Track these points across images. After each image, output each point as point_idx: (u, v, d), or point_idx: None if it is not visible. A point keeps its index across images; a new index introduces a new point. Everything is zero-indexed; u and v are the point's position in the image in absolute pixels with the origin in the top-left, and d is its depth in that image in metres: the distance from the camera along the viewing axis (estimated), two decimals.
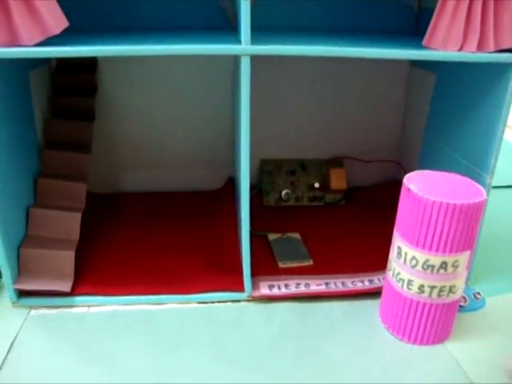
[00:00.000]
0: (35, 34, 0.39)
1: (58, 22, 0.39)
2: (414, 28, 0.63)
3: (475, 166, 0.48)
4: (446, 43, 0.43)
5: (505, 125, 0.45)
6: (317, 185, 0.65)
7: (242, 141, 0.42)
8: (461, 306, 0.49)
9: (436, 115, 0.58)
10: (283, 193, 0.65)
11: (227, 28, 0.58)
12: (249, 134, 0.42)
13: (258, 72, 0.48)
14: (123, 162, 0.65)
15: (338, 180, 0.65)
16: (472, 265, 0.51)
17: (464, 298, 0.50)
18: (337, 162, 0.67)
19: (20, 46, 0.39)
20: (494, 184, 0.48)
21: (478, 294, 0.51)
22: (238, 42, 0.41)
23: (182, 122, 0.64)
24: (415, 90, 0.64)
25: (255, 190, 0.65)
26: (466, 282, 0.51)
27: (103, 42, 0.41)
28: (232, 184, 0.65)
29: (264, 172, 0.65)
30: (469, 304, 0.50)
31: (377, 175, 0.69)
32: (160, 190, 0.66)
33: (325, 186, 0.65)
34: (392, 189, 0.57)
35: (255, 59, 0.40)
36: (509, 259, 0.59)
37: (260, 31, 0.44)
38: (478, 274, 0.54)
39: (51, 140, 0.56)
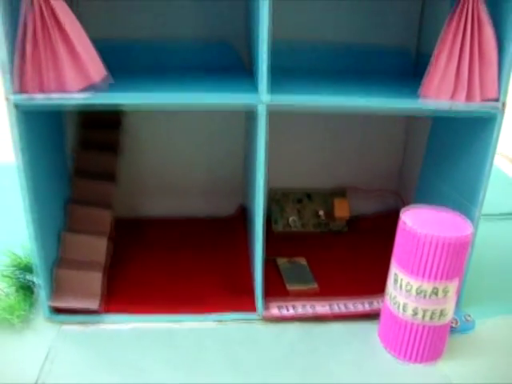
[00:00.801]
0: (79, 82, 0.44)
1: (98, 71, 0.45)
2: (413, 69, 0.69)
3: (466, 200, 0.54)
4: (439, 94, 0.48)
5: (491, 165, 0.50)
6: (321, 213, 0.70)
7: (257, 180, 0.48)
8: (452, 328, 0.54)
9: (432, 153, 0.63)
10: (290, 220, 0.70)
11: (241, 68, 0.64)
12: (264, 174, 0.48)
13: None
14: (145, 190, 0.71)
15: (341, 209, 0.70)
16: (463, 290, 0.56)
17: (455, 320, 0.55)
18: (340, 191, 0.72)
19: (66, 92, 0.44)
20: (488, 212, 0.53)
21: (469, 316, 0.56)
22: (255, 88, 0.47)
23: (198, 154, 0.69)
24: (413, 130, 0.69)
25: (265, 217, 0.70)
26: (457, 305, 0.56)
27: (132, 91, 0.46)
28: (243, 211, 0.70)
29: (273, 200, 0.71)
30: (460, 326, 0.55)
31: (377, 204, 0.74)
32: (177, 216, 0.71)
33: (329, 214, 0.71)
34: (391, 218, 0.62)
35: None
36: (499, 285, 0.64)
37: (274, 73, 0.48)
38: (469, 298, 0.59)
39: (81, 169, 0.62)
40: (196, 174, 0.71)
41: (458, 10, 0.46)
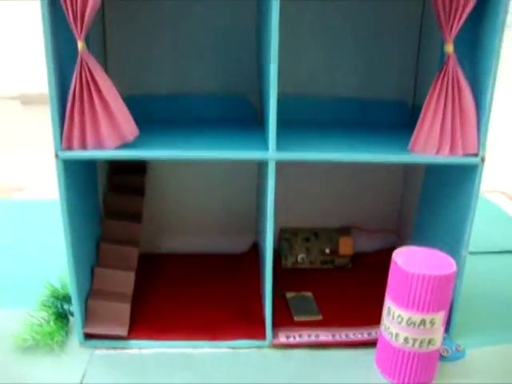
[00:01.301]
0: (115, 140, 0.52)
1: (131, 130, 0.53)
2: (409, 120, 0.76)
3: (454, 241, 0.60)
4: (426, 149, 0.55)
5: (474, 210, 0.57)
6: (328, 250, 0.77)
7: (267, 223, 0.55)
8: (444, 357, 0.60)
9: (425, 197, 0.70)
10: (299, 257, 0.77)
11: (255, 121, 0.72)
12: (273, 218, 0.55)
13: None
14: (166, 229, 0.78)
15: (345, 247, 0.77)
16: (454, 321, 0.62)
17: (446, 349, 0.61)
18: (345, 230, 0.79)
19: (103, 148, 0.52)
20: (485, 249, 0.59)
21: (459, 346, 0.62)
22: (265, 143, 0.54)
23: (214, 196, 0.77)
24: (410, 176, 0.76)
25: (275, 254, 0.77)
26: (449, 336, 0.62)
27: (156, 145, 0.54)
28: (256, 249, 0.77)
29: (283, 239, 0.78)
30: (450, 355, 0.60)
31: (379, 243, 0.80)
32: (195, 252, 0.78)
33: (334, 252, 0.77)
34: (391, 255, 0.69)
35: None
36: (488, 317, 0.69)
37: (283, 125, 0.56)
38: (460, 329, 0.64)
39: (110, 211, 0.69)
40: (212, 213, 0.78)
41: (441, 76, 0.54)
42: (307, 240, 0.78)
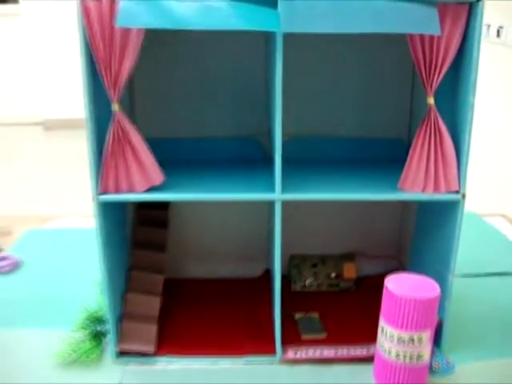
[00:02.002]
0: (144, 185, 0.61)
1: (157, 175, 0.62)
2: (406, 155, 0.84)
3: (442, 267, 0.68)
4: (413, 187, 0.64)
5: (458, 241, 0.65)
6: (333, 275, 0.85)
7: (275, 256, 0.63)
8: (435, 370, 0.67)
9: (419, 227, 0.78)
10: (307, 281, 0.85)
11: (266, 160, 0.80)
12: (280, 251, 0.63)
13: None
14: (187, 256, 0.87)
15: (349, 271, 0.85)
16: (445, 338, 0.70)
17: (437, 363, 0.68)
18: (349, 256, 0.87)
19: (134, 191, 0.61)
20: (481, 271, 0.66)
21: (449, 361, 0.69)
22: (273, 185, 0.63)
23: (231, 227, 0.85)
24: (407, 208, 0.84)
25: (286, 278, 0.85)
26: (440, 351, 0.69)
27: (178, 188, 0.64)
28: (268, 274, 0.85)
29: (292, 265, 0.86)
30: (441, 368, 0.68)
31: (381, 267, 0.87)
32: (213, 277, 0.87)
33: (339, 276, 0.85)
34: None
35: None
36: (481, 335, 0.76)
37: (289, 164, 0.64)
38: (451, 345, 0.71)
39: (138, 242, 0.78)
40: (229, 243, 0.86)
41: (424, 124, 0.62)
42: (315, 266, 0.86)
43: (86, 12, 0.54)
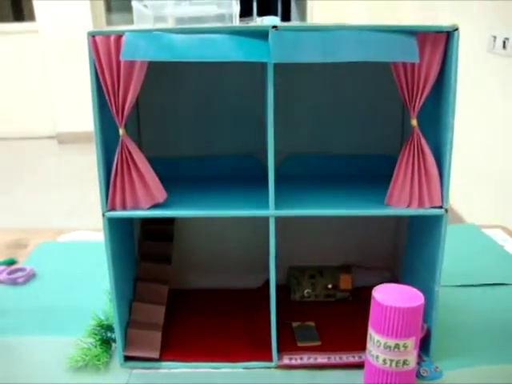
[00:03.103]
0: (148, 202, 0.66)
1: (160, 193, 0.67)
2: None
3: (429, 278, 0.72)
4: (399, 203, 0.68)
5: (443, 252, 0.69)
6: (330, 286, 0.89)
7: (270, 270, 0.68)
8: (423, 377, 0.71)
9: (410, 240, 0.82)
10: (305, 292, 0.89)
11: (263, 177, 0.85)
12: (275, 263, 0.68)
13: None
14: (190, 268, 0.91)
15: (345, 282, 0.89)
16: (433, 346, 0.74)
17: (426, 370, 0.72)
18: (346, 268, 0.91)
19: (139, 208, 0.66)
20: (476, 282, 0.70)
21: (437, 367, 0.73)
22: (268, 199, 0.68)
23: (232, 240, 0.90)
24: (400, 222, 0.88)
25: (285, 288, 0.89)
26: (429, 358, 0.73)
27: (181, 204, 0.68)
28: (268, 285, 0.89)
29: (291, 276, 0.90)
30: (429, 375, 0.72)
31: (376, 278, 0.91)
32: (216, 288, 0.91)
33: (336, 287, 0.89)
34: None
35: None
36: (468, 343, 0.80)
37: (284, 181, 0.69)
38: (441, 353, 0.75)
39: (144, 254, 0.83)
40: (231, 254, 0.91)
41: (408, 144, 0.67)
42: (313, 277, 0.90)
43: (94, 46, 0.60)
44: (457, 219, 2.60)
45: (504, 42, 2.46)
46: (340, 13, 4.38)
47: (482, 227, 1.27)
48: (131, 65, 0.60)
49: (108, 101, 0.62)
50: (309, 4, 4.64)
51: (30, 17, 4.56)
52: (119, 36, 0.60)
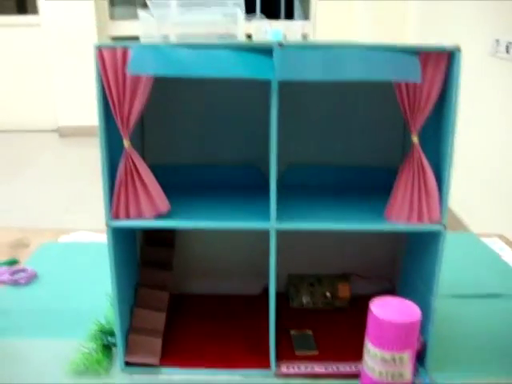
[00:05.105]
0: (151, 212, 0.67)
1: (163, 204, 0.68)
2: None
3: (427, 290, 0.73)
4: (398, 218, 0.69)
5: (440, 267, 0.70)
6: (328, 294, 0.90)
7: (270, 282, 0.69)
8: None
9: (408, 252, 0.83)
10: (304, 299, 0.90)
11: (265, 188, 0.86)
12: (275, 276, 0.69)
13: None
14: (191, 273, 0.93)
15: (343, 291, 0.90)
16: (430, 358, 0.75)
17: (421, 382, 0.73)
18: (344, 277, 0.92)
19: (142, 218, 0.67)
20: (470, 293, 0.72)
21: (432, 379, 0.74)
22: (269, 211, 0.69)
23: (233, 247, 0.91)
24: (397, 234, 0.89)
25: (284, 296, 0.91)
26: (424, 368, 0.75)
27: (182, 215, 0.69)
28: (267, 292, 0.91)
29: (290, 284, 0.91)
30: None
31: (374, 288, 0.92)
32: (215, 294, 0.92)
33: (334, 295, 0.91)
34: None
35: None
36: (465, 355, 0.81)
37: (287, 190, 0.69)
38: (438, 364, 0.76)
39: (146, 260, 0.84)
40: (231, 261, 0.92)
41: (409, 160, 0.68)
42: (311, 285, 0.91)
43: (101, 59, 0.61)
44: (456, 222, 2.62)
45: (507, 47, 2.47)
46: (343, 11, 4.39)
47: (480, 235, 1.28)
48: (137, 79, 0.61)
49: (113, 113, 0.63)
50: (312, 0, 4.64)
51: (33, 10, 4.56)
52: (126, 49, 0.61)
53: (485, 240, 1.27)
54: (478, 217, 2.52)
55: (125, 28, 4.74)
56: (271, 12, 4.57)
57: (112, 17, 4.89)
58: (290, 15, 4.93)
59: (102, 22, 4.72)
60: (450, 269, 0.88)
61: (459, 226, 2.60)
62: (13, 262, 1.07)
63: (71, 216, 3.02)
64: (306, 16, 4.80)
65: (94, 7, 4.54)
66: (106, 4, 4.78)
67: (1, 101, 4.78)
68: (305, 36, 4.56)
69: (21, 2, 4.95)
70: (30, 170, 3.94)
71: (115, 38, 4.80)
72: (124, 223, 0.67)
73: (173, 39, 1.98)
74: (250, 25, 2.96)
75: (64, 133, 4.76)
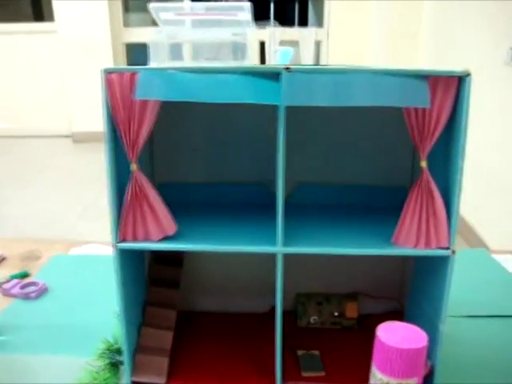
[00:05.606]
0: (158, 234, 0.68)
1: (170, 227, 0.68)
2: None
3: (434, 315, 0.72)
4: (406, 243, 0.69)
5: (448, 292, 0.69)
6: (336, 313, 0.90)
7: (277, 304, 0.69)
8: None
9: (416, 274, 0.83)
10: (312, 318, 0.90)
11: (272, 205, 0.86)
12: (281, 299, 0.69)
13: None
14: (199, 291, 0.93)
15: (351, 310, 0.89)
16: (437, 380, 0.74)
17: None
18: (352, 296, 0.92)
19: (149, 240, 0.68)
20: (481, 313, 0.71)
21: None
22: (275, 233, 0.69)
23: (240, 265, 0.91)
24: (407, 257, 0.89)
25: (292, 314, 0.90)
26: None
27: (190, 237, 0.70)
28: (274, 310, 0.90)
29: (298, 302, 0.91)
30: None
31: (382, 307, 0.92)
32: (223, 312, 0.92)
33: (342, 315, 0.90)
34: (392, 319, 0.81)
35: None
36: (474, 377, 0.80)
37: (293, 210, 0.69)
38: None
39: (154, 279, 0.84)
40: (238, 280, 0.92)
41: (417, 185, 0.67)
42: (319, 304, 0.91)
43: (109, 83, 0.61)
44: (472, 235, 2.60)
45: None
46: (357, 18, 4.38)
47: (493, 252, 1.27)
48: (144, 103, 0.62)
49: (120, 136, 0.63)
50: (326, 8, 4.64)
51: (50, 17, 4.61)
52: (133, 73, 0.61)
53: (497, 257, 1.26)
54: (496, 230, 2.50)
55: (139, 34, 4.77)
56: (285, 19, 4.58)
57: (126, 24, 4.93)
58: (303, 22, 4.94)
59: (117, 29, 4.75)
60: (460, 287, 0.87)
61: (475, 238, 2.58)
62: (24, 275, 1.08)
63: (85, 223, 3.04)
64: (319, 23, 4.80)
65: (109, 14, 4.58)
66: (120, 11, 4.81)
67: (16, 106, 4.84)
68: (318, 43, 4.56)
69: (38, 10, 5.01)
70: (44, 175, 3.97)
71: (129, 45, 4.84)
72: (131, 245, 0.68)
73: (185, 48, 1.98)
74: (264, 32, 2.98)
75: (78, 138, 4.80)
